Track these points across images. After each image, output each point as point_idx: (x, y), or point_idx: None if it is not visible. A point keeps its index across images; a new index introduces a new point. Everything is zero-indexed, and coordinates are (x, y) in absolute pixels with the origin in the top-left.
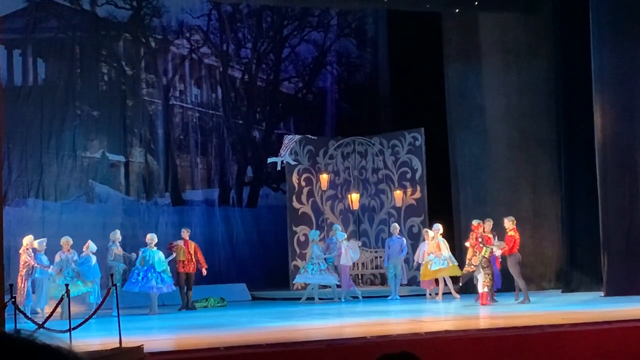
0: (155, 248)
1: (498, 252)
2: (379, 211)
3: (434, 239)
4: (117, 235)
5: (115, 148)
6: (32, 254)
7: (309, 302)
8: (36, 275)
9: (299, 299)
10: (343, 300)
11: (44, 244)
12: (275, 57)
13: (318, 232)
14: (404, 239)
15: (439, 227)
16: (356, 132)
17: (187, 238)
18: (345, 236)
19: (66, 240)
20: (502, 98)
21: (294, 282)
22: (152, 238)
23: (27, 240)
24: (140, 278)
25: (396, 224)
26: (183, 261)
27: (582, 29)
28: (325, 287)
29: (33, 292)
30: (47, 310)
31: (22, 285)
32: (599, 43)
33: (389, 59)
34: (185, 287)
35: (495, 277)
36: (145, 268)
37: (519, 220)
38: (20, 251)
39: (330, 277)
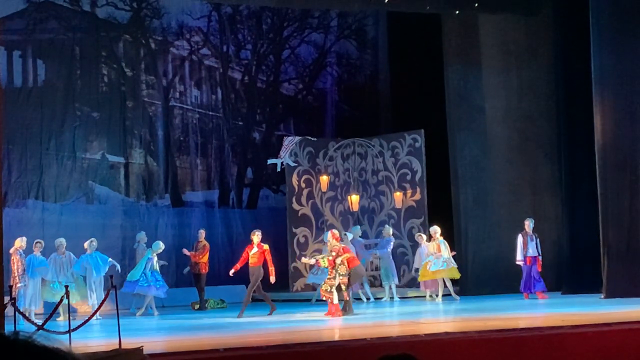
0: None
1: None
2: (378, 213)
3: (434, 241)
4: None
5: (115, 149)
6: (22, 255)
7: (317, 303)
8: (29, 276)
9: (299, 300)
10: (372, 300)
11: (39, 245)
12: (275, 58)
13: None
14: (392, 239)
15: (436, 229)
16: (356, 133)
17: (201, 239)
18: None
19: (60, 242)
20: (502, 99)
21: (307, 282)
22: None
23: (18, 242)
24: (147, 281)
25: (387, 226)
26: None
27: (582, 30)
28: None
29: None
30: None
31: (15, 287)
32: (599, 44)
33: (389, 61)
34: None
35: (534, 279)
36: (153, 271)
37: (519, 221)
38: (11, 251)
39: None
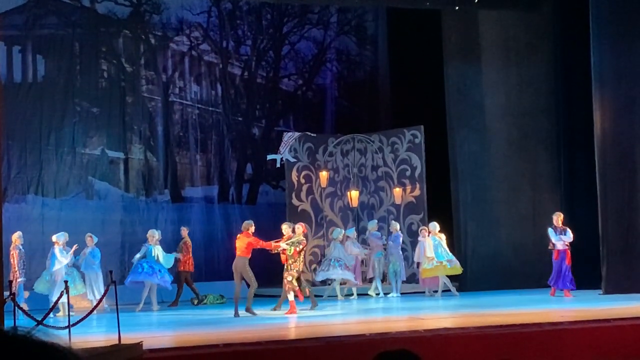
0: (157, 244)
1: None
2: (378, 209)
3: (430, 237)
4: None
5: (114, 145)
6: (20, 250)
7: (329, 299)
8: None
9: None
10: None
11: (64, 238)
12: (275, 54)
13: (341, 230)
14: (400, 234)
15: (435, 226)
16: (356, 129)
17: (184, 235)
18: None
19: (63, 237)
20: (502, 96)
21: (316, 279)
22: (152, 234)
23: (15, 237)
24: (144, 269)
25: (395, 222)
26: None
27: (582, 26)
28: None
29: (25, 289)
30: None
31: (15, 283)
32: (599, 41)
33: (389, 57)
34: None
35: (564, 274)
36: (149, 260)
37: (519, 217)
38: (11, 248)
39: (350, 274)
